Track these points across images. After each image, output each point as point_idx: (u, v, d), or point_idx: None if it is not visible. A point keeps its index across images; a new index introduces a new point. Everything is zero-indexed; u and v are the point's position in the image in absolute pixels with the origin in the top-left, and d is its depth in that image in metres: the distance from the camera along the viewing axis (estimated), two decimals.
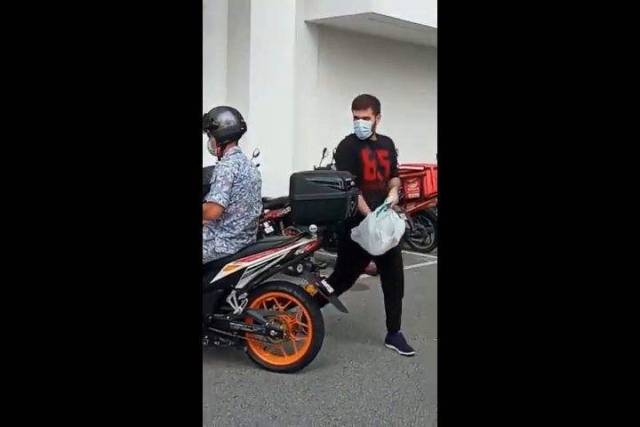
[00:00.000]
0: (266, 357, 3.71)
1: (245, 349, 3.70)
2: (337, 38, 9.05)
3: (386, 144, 4.11)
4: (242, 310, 3.64)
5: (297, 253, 3.59)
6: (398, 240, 3.84)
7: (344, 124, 9.13)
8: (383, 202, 3.83)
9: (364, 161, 3.92)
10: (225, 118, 3.65)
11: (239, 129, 3.70)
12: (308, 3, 8.39)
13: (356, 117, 3.89)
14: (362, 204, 3.82)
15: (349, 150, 3.96)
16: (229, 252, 3.62)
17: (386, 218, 3.77)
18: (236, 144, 3.74)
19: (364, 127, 3.89)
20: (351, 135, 4.02)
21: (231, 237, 3.63)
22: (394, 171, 4.18)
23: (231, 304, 3.65)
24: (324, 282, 3.62)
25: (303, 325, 3.67)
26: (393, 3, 8.02)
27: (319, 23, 8.66)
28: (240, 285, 3.61)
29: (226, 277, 3.58)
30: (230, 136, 3.68)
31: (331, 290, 3.62)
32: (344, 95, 9.24)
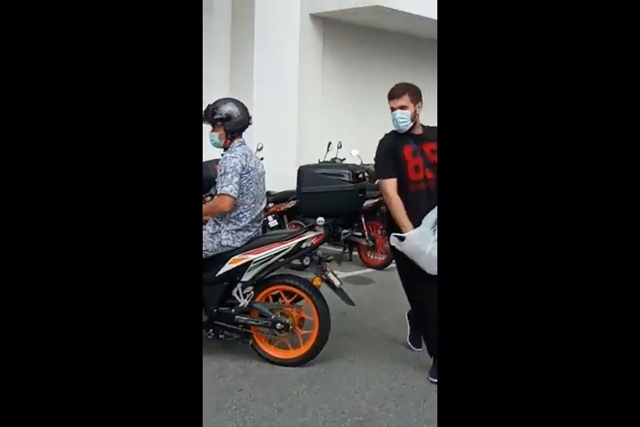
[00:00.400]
0: (271, 350, 3.70)
1: (251, 342, 3.69)
2: (342, 31, 9.05)
3: (435, 136, 3.46)
4: (247, 303, 3.63)
5: (304, 246, 3.59)
6: None
7: (349, 118, 9.19)
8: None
9: (405, 159, 3.44)
10: (235, 110, 3.64)
11: (247, 121, 3.70)
12: None
13: (392, 109, 3.45)
14: (400, 216, 3.39)
15: (387, 149, 3.49)
16: (235, 244, 3.60)
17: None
18: (241, 136, 3.73)
19: (401, 118, 3.41)
20: (391, 132, 3.58)
21: (237, 230, 3.61)
22: None
23: (237, 297, 3.64)
24: (330, 275, 3.61)
25: (309, 318, 3.66)
26: None
27: (324, 16, 8.64)
28: (246, 278, 3.60)
29: (232, 269, 3.57)
30: (241, 128, 3.68)
31: (337, 283, 3.61)
32: (349, 88, 9.30)
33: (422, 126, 3.55)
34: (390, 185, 3.43)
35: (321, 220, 3.51)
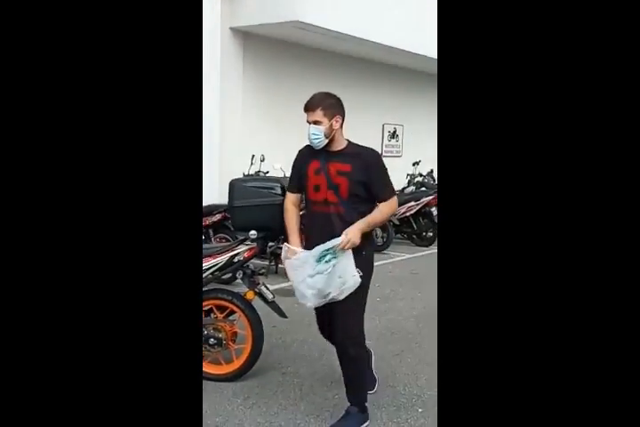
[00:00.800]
0: (204, 366, 3.62)
1: None
2: (262, 45, 9.04)
3: (353, 156, 3.04)
4: None
5: (236, 259, 3.55)
6: (343, 295, 2.93)
7: (270, 131, 9.20)
8: (327, 243, 2.91)
9: (307, 175, 3.08)
10: None
11: None
12: (234, 9, 8.32)
13: (308, 122, 3.06)
14: (289, 232, 3.12)
15: (296, 162, 3.20)
16: None
17: (325, 274, 2.89)
18: None
19: (314, 134, 3.01)
20: None
21: None
22: (378, 191, 3.03)
23: None
24: (262, 288, 3.60)
25: (242, 332, 3.63)
26: (319, 12, 8.05)
27: (244, 30, 8.62)
28: None
29: None
30: None
31: (270, 296, 3.60)
32: (270, 102, 9.32)
33: (350, 143, 3.12)
34: (288, 199, 3.22)
35: (253, 233, 3.49)
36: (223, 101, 8.20)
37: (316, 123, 3.00)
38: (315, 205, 3.08)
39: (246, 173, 7.19)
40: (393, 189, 3.11)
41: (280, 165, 6.85)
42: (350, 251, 2.91)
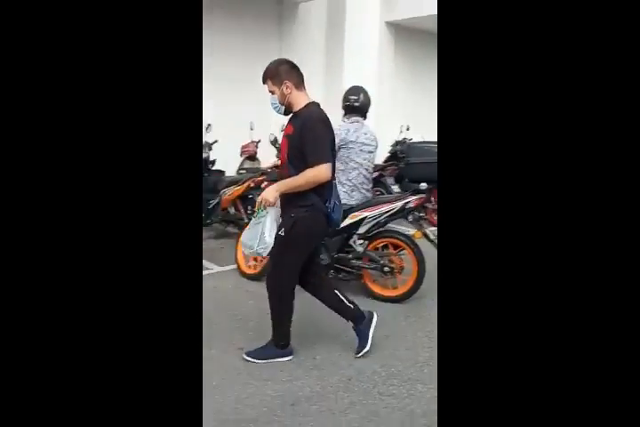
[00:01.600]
0: (377, 289, 4.08)
1: (362, 281, 4.11)
2: (411, 37, 9.24)
3: (298, 118, 2.79)
4: (362, 250, 4.02)
5: (407, 206, 3.91)
6: (266, 252, 2.85)
7: (413, 107, 9.41)
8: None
9: None
10: (349, 96, 4.08)
11: (353, 104, 4.12)
12: (387, 4, 8.57)
13: None
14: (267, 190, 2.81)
15: None
16: (351, 203, 4.00)
17: (255, 226, 2.87)
18: (361, 116, 4.12)
19: (272, 104, 2.86)
20: None
21: (352, 191, 4.02)
22: (307, 154, 2.68)
23: (353, 246, 4.05)
24: (427, 230, 3.97)
25: (407, 267, 4.00)
26: None
27: (396, 24, 8.84)
28: (361, 230, 3.97)
29: (351, 223, 3.93)
30: (348, 110, 4.16)
31: (432, 236, 3.95)
32: (415, 86, 9.54)
33: (307, 105, 2.80)
34: None
35: (424, 185, 3.85)
36: (378, 84, 8.49)
37: (272, 93, 2.83)
38: (280, 169, 2.98)
39: (396, 140, 7.71)
40: (322, 156, 2.68)
41: (421, 134, 7.34)
42: (275, 210, 2.84)
